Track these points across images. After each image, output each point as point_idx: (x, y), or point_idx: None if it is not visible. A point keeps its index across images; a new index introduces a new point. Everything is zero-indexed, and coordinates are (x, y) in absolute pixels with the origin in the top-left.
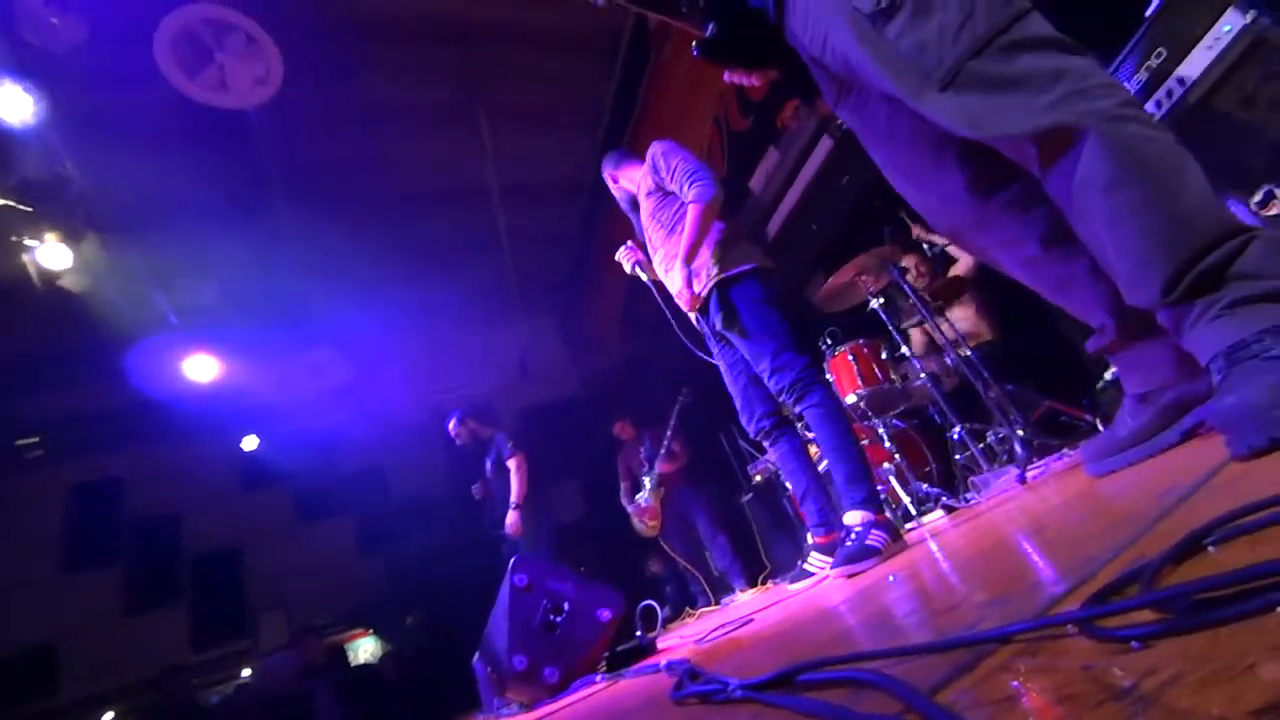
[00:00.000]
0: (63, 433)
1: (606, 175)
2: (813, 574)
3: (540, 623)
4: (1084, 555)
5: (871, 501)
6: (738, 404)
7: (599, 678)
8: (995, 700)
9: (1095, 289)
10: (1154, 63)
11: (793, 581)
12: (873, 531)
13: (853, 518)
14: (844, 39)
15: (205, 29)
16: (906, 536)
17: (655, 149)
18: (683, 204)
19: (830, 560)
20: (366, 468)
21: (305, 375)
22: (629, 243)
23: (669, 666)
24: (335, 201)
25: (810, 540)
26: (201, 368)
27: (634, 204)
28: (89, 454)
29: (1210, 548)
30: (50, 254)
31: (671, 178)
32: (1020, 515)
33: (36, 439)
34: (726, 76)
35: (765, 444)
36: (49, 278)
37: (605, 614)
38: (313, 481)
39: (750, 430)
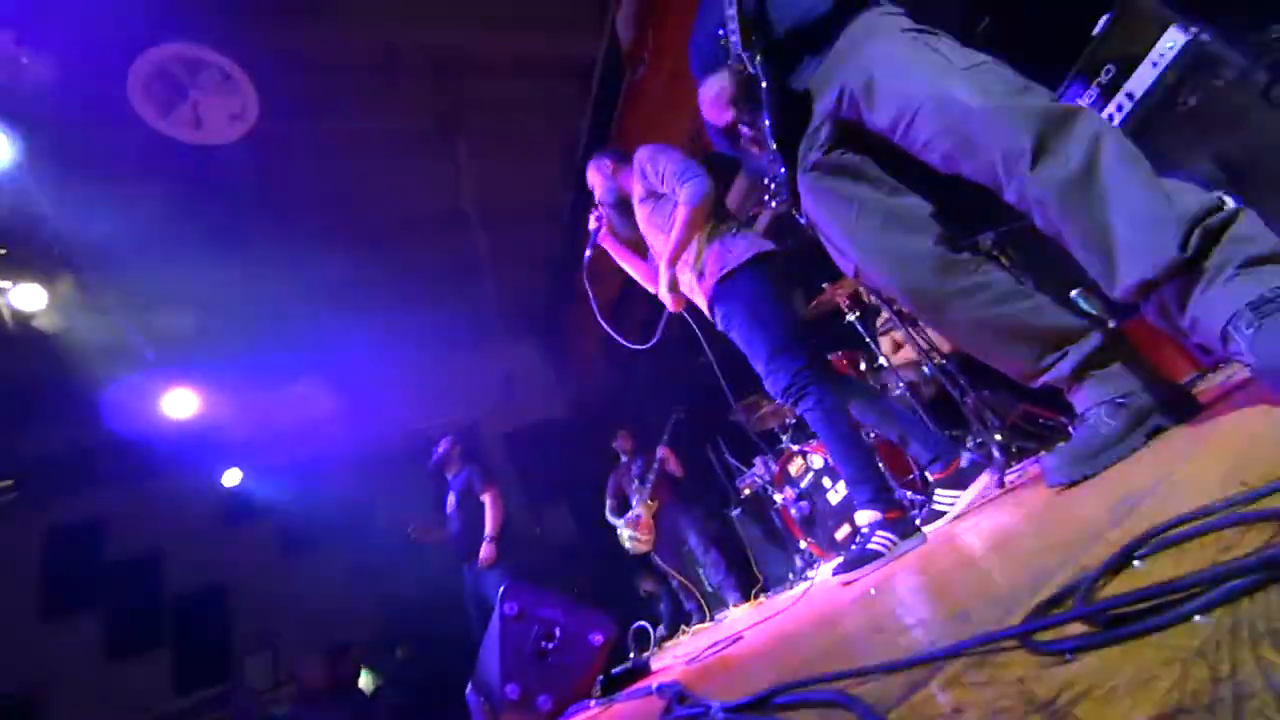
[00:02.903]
0: (38, 475)
1: (604, 166)
2: (944, 511)
3: (532, 650)
4: (1039, 565)
5: (879, 500)
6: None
7: (593, 703)
8: (941, 714)
9: (1065, 311)
10: (1104, 79)
11: (926, 523)
12: (877, 534)
13: (862, 518)
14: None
15: (179, 67)
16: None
17: (641, 154)
18: (671, 206)
19: (958, 493)
20: (353, 498)
21: (288, 406)
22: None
23: (659, 689)
24: (314, 232)
25: (931, 479)
26: (181, 403)
27: (620, 202)
28: (66, 496)
29: (1137, 562)
30: (24, 296)
31: (662, 180)
32: (993, 523)
33: (10, 483)
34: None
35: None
36: (23, 319)
37: (597, 638)
38: (298, 515)
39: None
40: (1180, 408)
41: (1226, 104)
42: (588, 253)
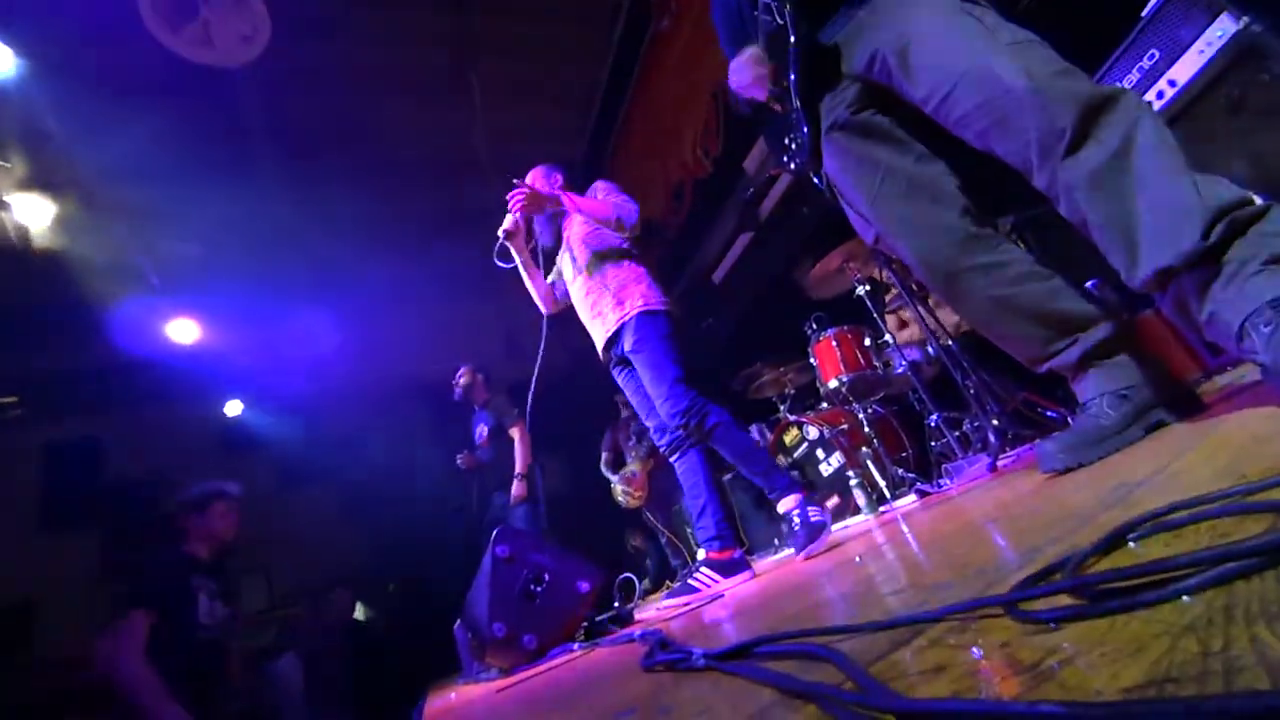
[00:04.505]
0: (41, 392)
1: (555, 178)
2: (698, 589)
3: (520, 592)
4: (1028, 544)
5: (794, 485)
6: (651, 421)
7: (576, 645)
8: (922, 672)
9: (1079, 299)
10: (1146, 64)
11: (672, 596)
12: (809, 509)
13: (786, 503)
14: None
15: None
16: (879, 517)
17: (601, 183)
18: (614, 235)
19: (718, 577)
20: (350, 435)
21: (289, 341)
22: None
23: (642, 636)
24: (322, 166)
25: (703, 555)
26: (184, 330)
27: (552, 217)
28: (68, 415)
29: (1131, 542)
30: (28, 210)
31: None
32: (983, 503)
33: (14, 398)
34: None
35: (673, 460)
36: (28, 235)
37: (584, 585)
38: (297, 448)
39: (663, 441)
40: (1183, 405)
41: (1272, 99)
42: (500, 236)
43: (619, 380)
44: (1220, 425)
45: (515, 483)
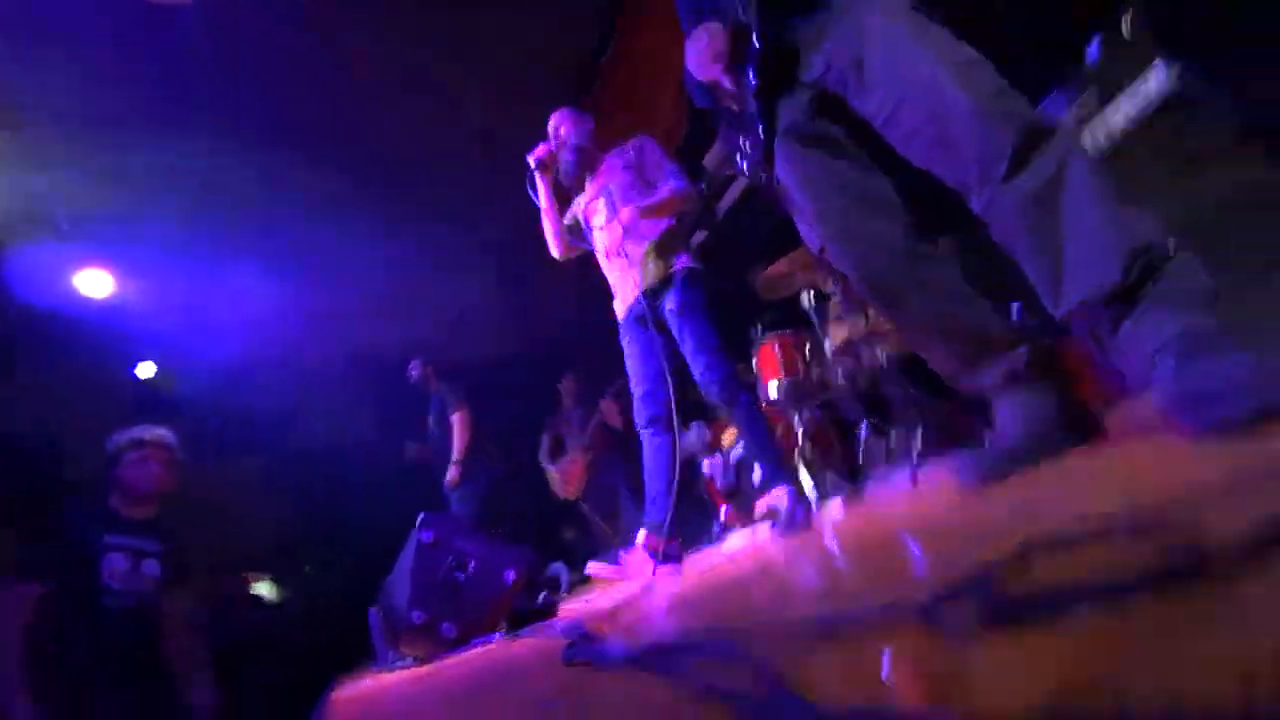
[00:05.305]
0: None
1: (587, 120)
2: (626, 567)
3: (443, 579)
4: (942, 555)
5: (789, 480)
6: (641, 388)
7: (498, 636)
8: (834, 678)
9: (1003, 321)
10: (1079, 109)
11: (600, 563)
12: (798, 505)
13: (778, 494)
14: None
15: None
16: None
17: (643, 139)
18: (660, 188)
19: (651, 562)
20: (275, 409)
21: (215, 303)
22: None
23: (564, 630)
24: (269, 123)
25: (642, 537)
26: (94, 283)
27: (584, 152)
28: None
29: (1036, 560)
30: None
31: (658, 170)
32: (903, 514)
33: None
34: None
35: (646, 432)
36: None
37: (510, 575)
38: (214, 417)
39: (643, 416)
40: (1090, 431)
41: (1199, 145)
42: (532, 164)
43: (628, 336)
44: (1124, 452)
45: (450, 467)
